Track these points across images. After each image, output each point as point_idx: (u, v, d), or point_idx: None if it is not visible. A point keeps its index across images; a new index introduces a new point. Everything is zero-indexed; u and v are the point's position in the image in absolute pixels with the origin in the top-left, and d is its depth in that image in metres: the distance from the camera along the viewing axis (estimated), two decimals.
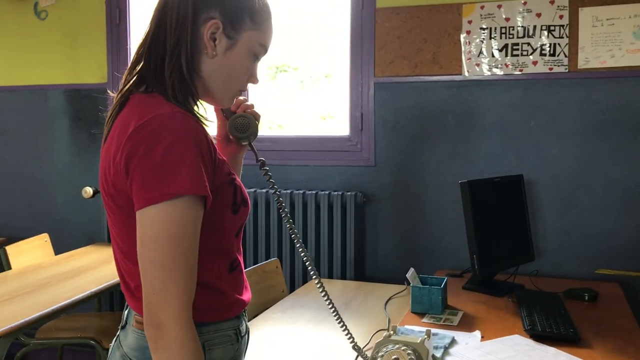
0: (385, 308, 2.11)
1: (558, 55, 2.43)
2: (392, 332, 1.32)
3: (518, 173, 2.44)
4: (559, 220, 2.49)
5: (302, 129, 3.12)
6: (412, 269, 2.01)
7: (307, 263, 1.27)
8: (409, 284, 2.00)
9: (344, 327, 1.32)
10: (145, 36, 1.08)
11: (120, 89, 1.08)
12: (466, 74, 2.55)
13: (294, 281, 2.74)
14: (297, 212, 2.73)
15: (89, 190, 2.95)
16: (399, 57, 2.63)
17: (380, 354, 1.25)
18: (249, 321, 1.26)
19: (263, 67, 3.05)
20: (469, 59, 2.55)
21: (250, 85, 1.16)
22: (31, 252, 2.83)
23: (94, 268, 2.53)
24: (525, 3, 2.47)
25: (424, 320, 1.89)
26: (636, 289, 2.39)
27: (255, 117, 1.24)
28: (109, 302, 3.07)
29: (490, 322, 1.87)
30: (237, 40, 1.07)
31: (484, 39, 2.52)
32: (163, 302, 0.94)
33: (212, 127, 1.12)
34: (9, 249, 2.70)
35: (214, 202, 1.01)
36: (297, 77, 3.17)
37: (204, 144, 0.99)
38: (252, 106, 1.25)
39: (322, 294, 1.28)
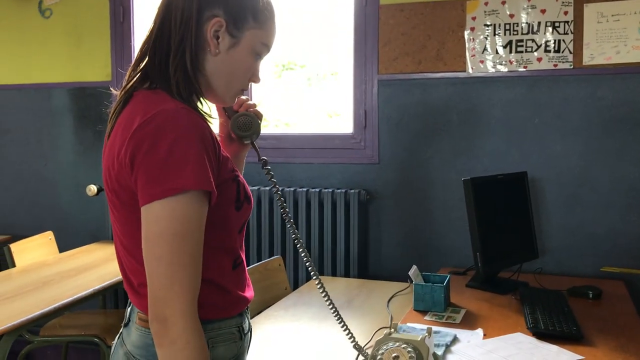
0: (387, 306, 2.10)
1: (563, 52, 2.42)
2: (392, 329, 1.32)
3: (522, 170, 2.43)
4: (564, 217, 2.48)
5: (308, 127, 3.12)
6: (414, 267, 2.01)
7: (307, 264, 1.27)
8: (411, 281, 2.00)
9: (345, 327, 1.32)
10: (150, 33, 1.08)
11: (124, 85, 1.08)
12: (470, 70, 2.54)
13: (297, 279, 2.74)
14: (301, 210, 2.73)
15: (93, 188, 2.96)
16: (402, 54, 2.63)
17: (380, 352, 1.25)
18: (251, 319, 1.26)
19: (269, 65, 3.05)
20: (473, 55, 2.54)
21: (255, 84, 1.16)
22: (35, 250, 2.84)
23: (98, 266, 2.54)
24: None
25: (427, 318, 1.89)
26: None
27: (258, 116, 1.24)
28: (113, 300, 3.08)
29: (493, 319, 1.87)
30: (240, 39, 1.07)
31: (488, 35, 2.51)
32: (169, 297, 0.94)
33: (214, 125, 1.12)
34: (14, 246, 2.71)
35: (217, 199, 1.01)
36: (303, 74, 3.16)
37: (208, 140, 0.99)
38: (254, 105, 1.25)
39: (323, 294, 1.28)
